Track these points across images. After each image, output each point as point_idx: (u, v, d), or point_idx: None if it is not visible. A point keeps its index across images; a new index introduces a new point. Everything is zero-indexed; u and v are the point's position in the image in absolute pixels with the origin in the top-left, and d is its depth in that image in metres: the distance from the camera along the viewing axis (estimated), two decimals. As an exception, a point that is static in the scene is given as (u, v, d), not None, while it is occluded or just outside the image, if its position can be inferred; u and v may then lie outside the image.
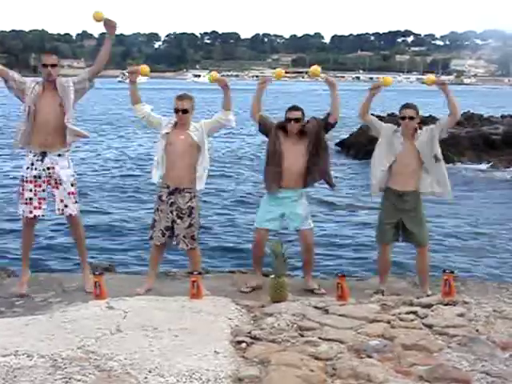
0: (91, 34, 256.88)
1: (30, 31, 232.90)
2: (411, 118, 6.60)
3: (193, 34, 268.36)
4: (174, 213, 6.48)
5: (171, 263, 9.40)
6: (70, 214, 6.67)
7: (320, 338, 4.00)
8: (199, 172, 6.45)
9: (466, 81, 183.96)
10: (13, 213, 11.95)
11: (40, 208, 6.61)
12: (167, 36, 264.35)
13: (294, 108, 6.76)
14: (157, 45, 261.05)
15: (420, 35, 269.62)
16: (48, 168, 6.53)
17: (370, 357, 3.73)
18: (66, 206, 6.63)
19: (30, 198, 6.56)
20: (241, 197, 18.11)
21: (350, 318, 4.42)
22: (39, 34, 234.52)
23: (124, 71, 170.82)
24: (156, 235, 6.58)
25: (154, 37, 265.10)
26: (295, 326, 4.25)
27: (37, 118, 6.44)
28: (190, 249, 6.56)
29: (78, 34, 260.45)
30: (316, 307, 4.65)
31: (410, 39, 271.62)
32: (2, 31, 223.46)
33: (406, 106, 6.69)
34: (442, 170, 6.64)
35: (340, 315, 4.47)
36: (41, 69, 6.51)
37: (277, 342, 3.97)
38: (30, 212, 6.57)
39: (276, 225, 6.84)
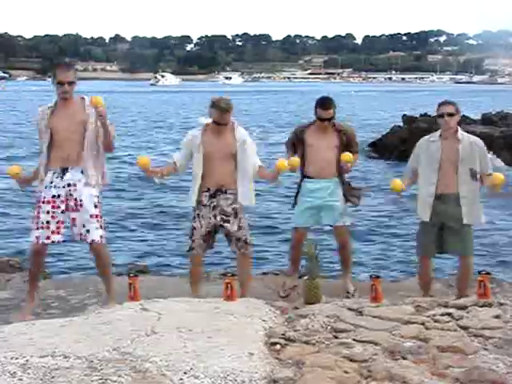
0: (124, 38, 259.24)
1: (64, 35, 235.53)
2: (451, 115, 6.15)
3: (224, 36, 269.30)
4: (218, 217, 6.05)
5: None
6: (93, 240, 5.85)
7: (354, 340, 3.99)
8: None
9: (500, 80, 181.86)
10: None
11: (59, 233, 5.84)
12: (199, 38, 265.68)
13: (327, 106, 6.60)
14: (189, 47, 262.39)
15: (453, 35, 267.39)
16: (69, 185, 5.82)
17: (404, 358, 3.71)
18: (87, 232, 5.82)
19: (47, 222, 5.78)
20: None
21: (385, 319, 4.40)
22: (73, 38, 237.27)
23: (156, 74, 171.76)
24: (197, 244, 6.10)
25: (186, 39, 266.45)
26: (329, 327, 4.25)
27: (55, 136, 5.85)
28: (243, 254, 6.15)
29: (111, 38, 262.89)
30: (350, 309, 4.64)
31: (442, 39, 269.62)
32: (37, 36, 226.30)
33: (444, 102, 6.29)
34: (474, 191, 6.21)
35: (374, 317, 4.45)
36: (55, 85, 5.86)
37: (311, 343, 3.96)
38: (48, 238, 5.80)
39: (315, 220, 6.72)
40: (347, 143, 6.67)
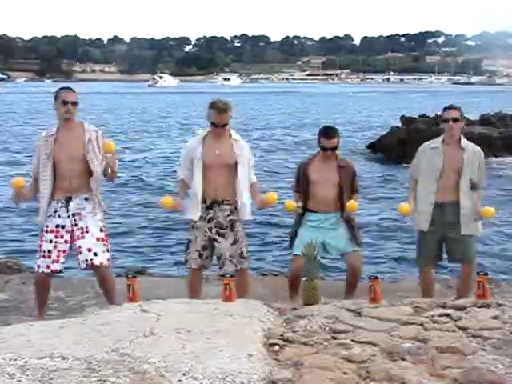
0: (122, 39, 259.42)
1: (63, 37, 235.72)
2: (455, 120, 6.13)
3: (223, 38, 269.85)
4: (214, 230, 5.95)
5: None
6: (101, 263, 5.84)
7: (353, 341, 3.98)
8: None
9: (499, 81, 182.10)
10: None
11: (58, 261, 5.81)
12: (197, 40, 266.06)
13: (331, 135, 6.39)
14: (187, 48, 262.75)
15: (451, 35, 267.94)
16: (73, 214, 5.83)
17: (403, 359, 3.71)
18: (95, 255, 5.82)
19: (49, 251, 5.79)
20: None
21: (383, 320, 4.39)
22: (71, 39, 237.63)
23: (154, 76, 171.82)
24: (192, 257, 6.02)
25: (185, 40, 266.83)
26: (328, 328, 4.24)
27: (58, 166, 5.81)
28: (240, 269, 5.99)
29: (110, 39, 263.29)
30: (349, 309, 4.64)
31: (440, 40, 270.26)
32: (35, 37, 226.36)
33: (450, 107, 6.23)
34: (473, 201, 6.15)
35: (373, 317, 4.45)
36: (59, 105, 5.85)
37: (309, 344, 3.96)
38: (47, 267, 5.80)
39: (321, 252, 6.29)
40: (350, 181, 6.52)
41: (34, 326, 4.44)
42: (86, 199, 5.85)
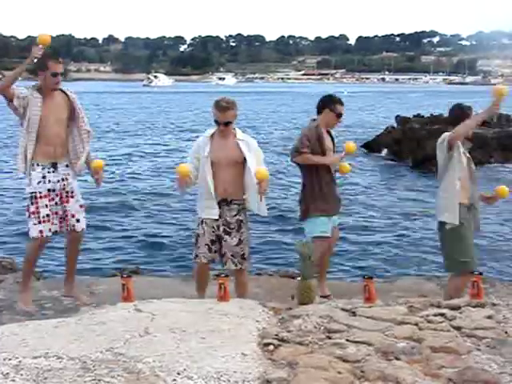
0: (117, 38, 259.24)
1: (58, 36, 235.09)
2: None
3: (218, 37, 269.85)
4: (221, 228, 5.96)
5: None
6: (82, 229, 6.27)
7: (348, 341, 3.99)
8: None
9: (493, 81, 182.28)
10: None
11: (55, 224, 6.14)
12: (193, 39, 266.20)
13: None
14: (182, 48, 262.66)
15: (446, 35, 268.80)
16: (62, 179, 6.11)
17: (397, 359, 3.72)
18: (77, 221, 6.23)
19: (47, 215, 6.05)
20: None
21: (378, 320, 4.40)
22: (66, 38, 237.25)
23: (149, 75, 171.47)
24: (202, 251, 5.99)
25: (180, 40, 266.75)
26: (322, 328, 4.25)
27: (43, 129, 5.98)
28: (240, 269, 6.07)
29: (105, 39, 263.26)
30: (343, 309, 4.64)
31: (435, 40, 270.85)
32: (30, 36, 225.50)
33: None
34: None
35: (367, 317, 4.45)
36: (47, 77, 6.04)
37: (304, 344, 3.96)
38: (49, 230, 6.09)
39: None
40: None
41: (28, 325, 4.43)
42: (66, 166, 6.17)
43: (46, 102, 6.01)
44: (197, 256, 6.05)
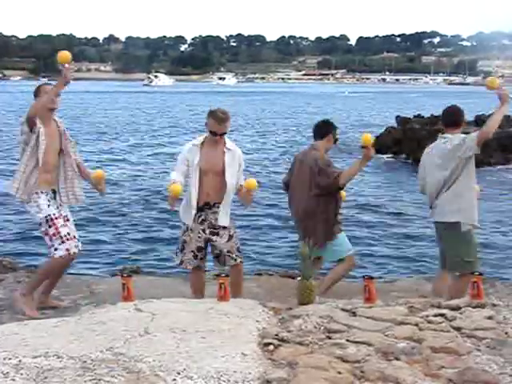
0: (118, 38, 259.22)
1: (58, 35, 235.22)
2: None
3: (218, 37, 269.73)
4: (207, 231, 6.05)
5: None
6: (75, 253, 6.26)
7: (348, 341, 3.99)
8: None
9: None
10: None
11: (78, 239, 6.29)
12: (193, 39, 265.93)
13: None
14: (183, 48, 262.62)
15: (446, 36, 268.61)
16: (60, 205, 6.23)
17: (398, 359, 3.72)
18: (78, 241, 6.30)
19: (68, 233, 6.15)
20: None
21: (378, 320, 4.40)
22: (67, 38, 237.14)
23: (150, 75, 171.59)
24: (187, 258, 6.10)
25: (180, 40, 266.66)
26: (323, 328, 4.25)
27: (44, 156, 6.03)
28: (237, 265, 6.10)
29: (105, 38, 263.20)
30: (343, 309, 4.64)
31: (436, 40, 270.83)
32: (30, 36, 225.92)
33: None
34: None
35: (367, 317, 4.45)
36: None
37: (304, 344, 3.96)
38: (76, 247, 6.21)
39: None
40: None
41: (28, 324, 4.43)
42: (60, 193, 6.23)
43: (46, 130, 6.06)
44: (182, 262, 6.15)
